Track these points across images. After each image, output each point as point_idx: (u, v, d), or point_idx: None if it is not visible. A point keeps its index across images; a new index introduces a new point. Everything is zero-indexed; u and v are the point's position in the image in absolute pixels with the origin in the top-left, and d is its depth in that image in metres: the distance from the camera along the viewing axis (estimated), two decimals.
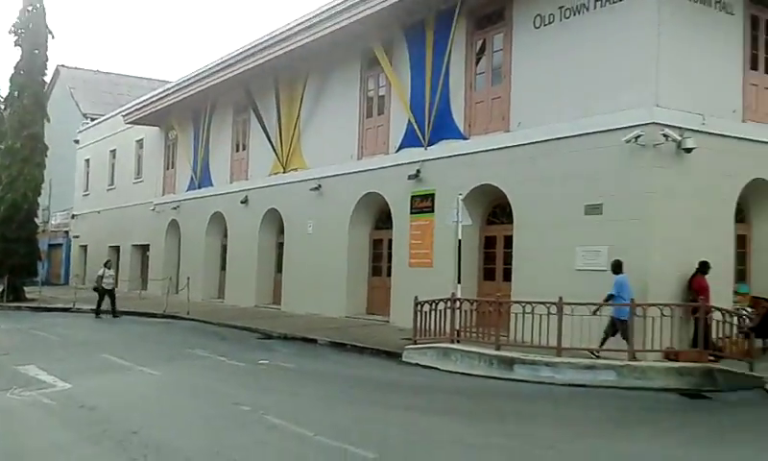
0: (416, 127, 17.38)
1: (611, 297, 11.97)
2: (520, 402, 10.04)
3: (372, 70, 19.47)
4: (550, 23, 14.26)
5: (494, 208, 16.35)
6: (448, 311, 13.20)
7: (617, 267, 12.21)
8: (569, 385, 10.82)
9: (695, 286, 12.42)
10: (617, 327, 11.88)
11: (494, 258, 16.24)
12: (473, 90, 16.29)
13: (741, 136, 13.63)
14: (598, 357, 11.64)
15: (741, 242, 14.67)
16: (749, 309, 12.57)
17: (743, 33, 13.93)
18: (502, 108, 15.36)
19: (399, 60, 18.22)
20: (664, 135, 12.31)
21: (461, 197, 14.52)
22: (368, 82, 19.82)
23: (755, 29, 14.22)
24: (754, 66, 14.19)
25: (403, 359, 13.24)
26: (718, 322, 11.54)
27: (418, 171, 17.29)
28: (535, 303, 11.87)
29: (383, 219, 19.59)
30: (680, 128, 12.56)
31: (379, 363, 13.46)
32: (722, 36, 13.60)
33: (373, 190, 19.09)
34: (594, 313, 11.66)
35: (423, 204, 17.33)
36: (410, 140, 17.71)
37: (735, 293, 13.86)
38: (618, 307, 11.82)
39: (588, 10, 13.50)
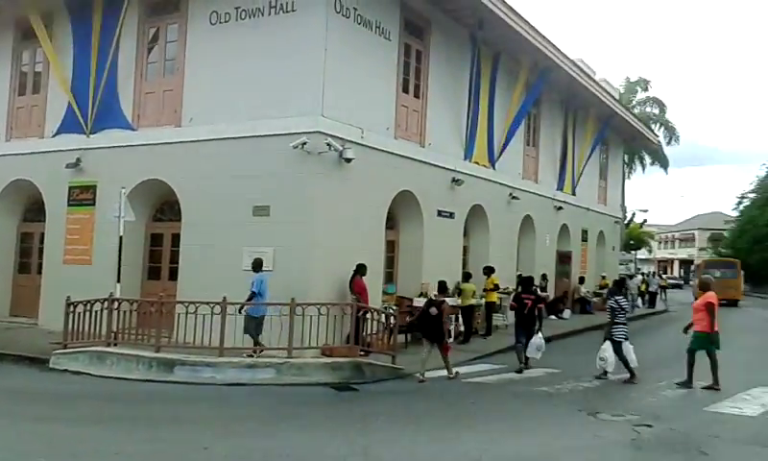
0: (77, 111, 15.95)
1: (253, 295, 12.29)
2: (178, 405, 9.77)
3: (27, 42, 17.37)
4: (226, 22, 14.19)
5: (162, 205, 15.76)
6: (105, 312, 12.35)
7: (258, 266, 12.59)
8: (231, 385, 10.85)
9: (356, 287, 13.38)
10: (251, 323, 12.18)
11: (161, 257, 15.63)
12: (144, 80, 15.51)
13: (393, 151, 15.18)
14: (253, 356, 11.89)
15: (391, 247, 16.31)
16: (395, 308, 14.00)
17: (397, 58, 15.49)
18: (174, 101, 14.87)
19: (62, 35, 16.54)
20: (328, 144, 13.06)
21: (124, 191, 13.73)
22: (22, 55, 17.64)
23: (407, 56, 15.93)
24: (405, 89, 15.90)
25: (51, 366, 12.00)
26: (368, 320, 12.63)
27: (78, 160, 15.89)
28: (198, 302, 11.68)
29: (35, 210, 17.60)
30: (342, 138, 13.46)
31: (21, 371, 12.03)
32: (380, 59, 14.94)
33: (24, 177, 17.04)
34: (240, 311, 11.93)
35: (84, 195, 15.98)
36: (70, 125, 16.19)
37: (384, 293, 15.34)
38: (254, 305, 12.21)
39: (262, 14, 13.73)
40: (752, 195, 58.38)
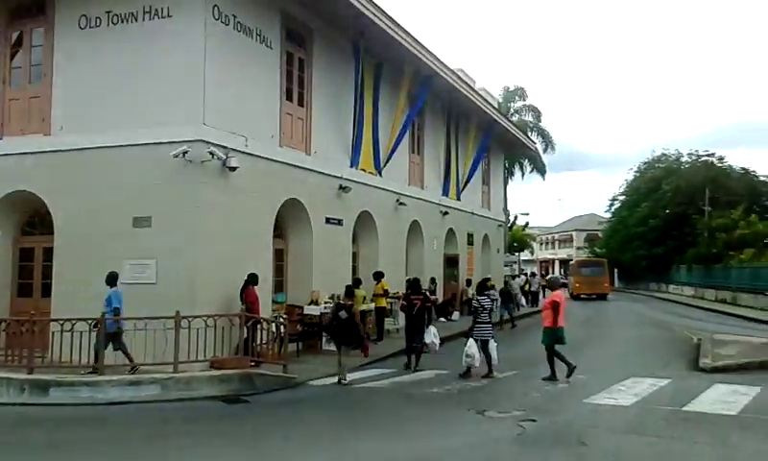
0: None
1: (118, 310, 11.78)
2: (55, 429, 9.16)
3: None
4: (97, 26, 13.56)
5: (32, 218, 14.83)
6: None
7: (113, 280, 12.10)
8: (112, 404, 10.33)
9: (248, 297, 13.11)
10: (111, 338, 11.65)
11: (32, 273, 14.65)
12: (8, 86, 14.55)
13: (278, 159, 15.02)
14: (134, 371, 11.42)
15: (279, 255, 16.12)
16: (285, 316, 13.85)
17: (280, 66, 15.34)
18: (42, 109, 14.04)
19: None
20: (211, 153, 12.74)
21: None
22: None
23: (290, 64, 15.83)
24: (289, 97, 15.79)
25: None
26: (258, 330, 12.42)
27: None
28: (75, 319, 11.08)
29: None
30: (225, 147, 13.16)
31: None
32: (263, 67, 14.74)
33: None
34: (119, 331, 11.51)
35: None
36: None
37: (274, 302, 15.14)
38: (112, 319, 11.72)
39: (136, 19, 13.23)
40: (622, 198, 62.28)
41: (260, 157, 14.35)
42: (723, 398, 10.57)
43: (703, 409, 9.82)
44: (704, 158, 54.40)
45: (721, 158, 54.21)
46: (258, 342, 12.44)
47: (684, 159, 56.51)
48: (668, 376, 12.66)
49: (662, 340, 20.12)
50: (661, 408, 9.94)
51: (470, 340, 12.86)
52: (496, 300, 27.73)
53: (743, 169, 52.60)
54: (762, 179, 51.39)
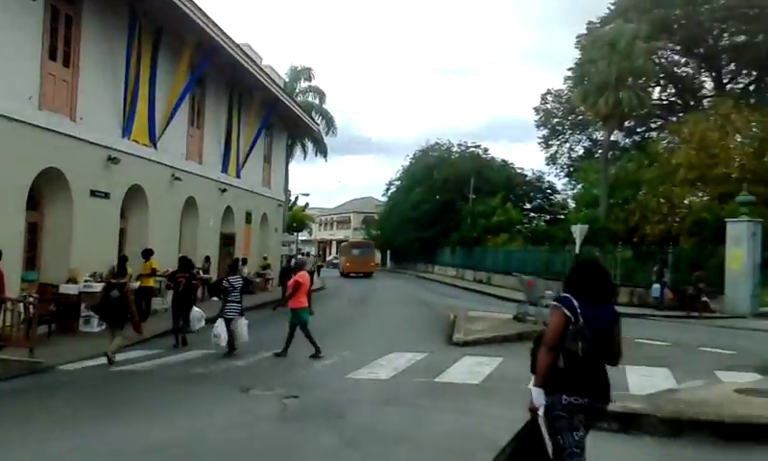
0: None
1: None
2: None
3: None
4: None
5: None
6: None
7: None
8: None
9: None
10: None
11: None
12: None
13: (36, 124, 13.71)
14: None
15: (33, 229, 14.75)
16: (35, 296, 12.76)
17: (43, 21, 13.98)
18: None
19: None
20: None
21: None
22: None
23: (55, 20, 14.48)
24: (52, 56, 14.45)
25: None
26: (2, 310, 11.34)
27: None
28: None
29: None
30: None
31: None
32: (22, 20, 13.35)
33: None
34: None
35: None
36: None
37: (23, 280, 13.85)
38: None
39: None
40: (398, 182, 65.61)
41: (14, 119, 12.99)
42: (470, 369, 11.66)
43: (452, 380, 10.78)
44: (471, 150, 59.18)
45: (486, 150, 59.42)
46: (2, 324, 11.34)
47: (454, 149, 60.97)
48: (425, 351, 13.62)
49: (423, 317, 21.57)
50: (416, 380, 10.72)
51: (219, 320, 12.99)
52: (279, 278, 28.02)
53: (503, 161, 58.14)
54: (518, 171, 57.16)
